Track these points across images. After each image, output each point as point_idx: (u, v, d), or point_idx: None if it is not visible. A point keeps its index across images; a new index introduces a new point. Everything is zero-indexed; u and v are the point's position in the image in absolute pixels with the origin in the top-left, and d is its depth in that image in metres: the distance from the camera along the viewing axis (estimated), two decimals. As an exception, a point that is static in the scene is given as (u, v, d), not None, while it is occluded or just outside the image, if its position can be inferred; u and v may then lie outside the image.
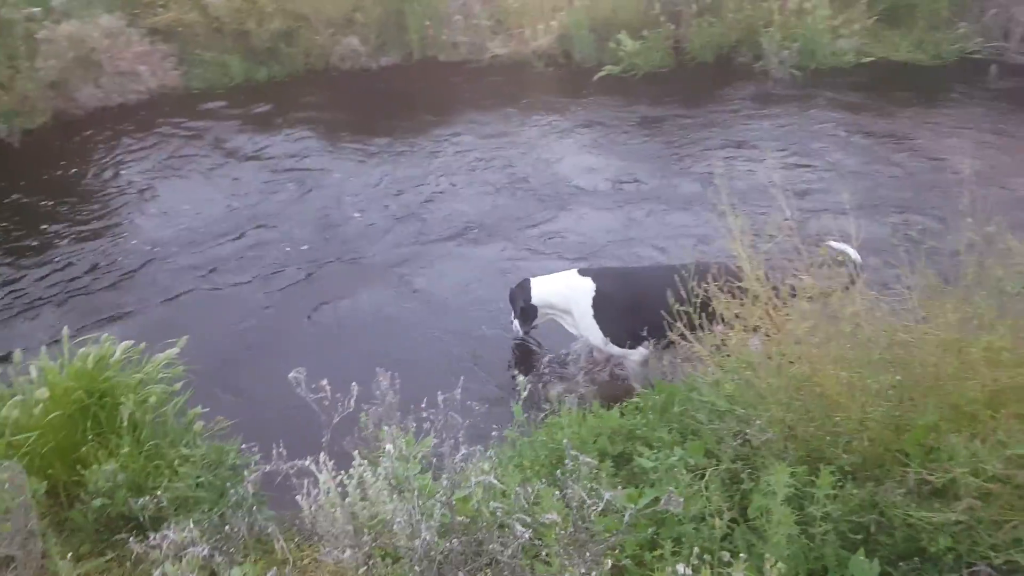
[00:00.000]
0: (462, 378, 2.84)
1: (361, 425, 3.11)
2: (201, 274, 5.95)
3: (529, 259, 5.83)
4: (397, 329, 5.25)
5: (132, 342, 3.75)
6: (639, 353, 4.35)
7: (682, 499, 2.01)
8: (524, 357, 4.88)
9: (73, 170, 7.71)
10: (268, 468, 2.43)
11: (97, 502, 3.05)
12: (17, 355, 3.43)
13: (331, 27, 9.52)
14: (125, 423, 3.36)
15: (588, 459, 2.02)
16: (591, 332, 4.38)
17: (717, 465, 2.75)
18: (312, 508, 2.45)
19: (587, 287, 4.36)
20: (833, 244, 3.88)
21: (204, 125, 8.52)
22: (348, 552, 2.32)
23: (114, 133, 8.45)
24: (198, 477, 3.15)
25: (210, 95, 9.24)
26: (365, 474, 2.50)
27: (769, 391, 2.60)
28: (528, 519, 1.89)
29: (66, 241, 6.47)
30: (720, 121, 7.84)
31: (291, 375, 2.57)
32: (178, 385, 3.70)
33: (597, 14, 9.05)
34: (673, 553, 2.44)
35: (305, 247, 6.26)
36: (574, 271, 4.52)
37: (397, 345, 5.07)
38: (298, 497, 2.48)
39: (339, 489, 2.53)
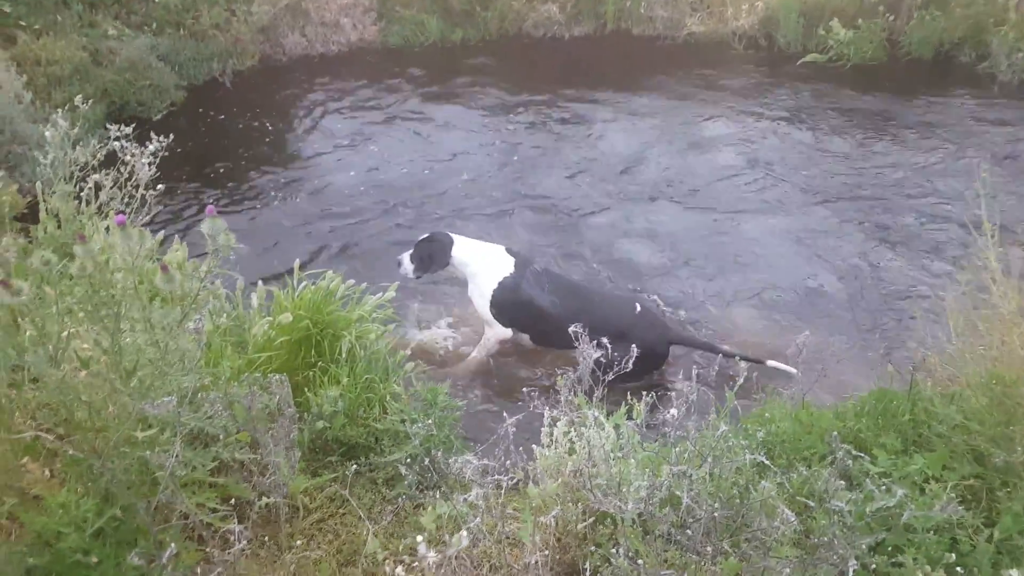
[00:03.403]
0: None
1: (558, 386, 3.11)
2: (387, 224, 6.15)
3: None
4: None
5: (353, 281, 3.93)
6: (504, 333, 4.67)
7: (961, 509, 1.88)
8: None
9: (275, 112, 8.15)
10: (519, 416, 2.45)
11: (319, 424, 3.20)
12: (260, 289, 3.64)
13: (530, -7, 9.56)
14: (344, 356, 3.53)
15: (856, 453, 1.92)
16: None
17: (953, 479, 2.61)
18: (540, 459, 2.47)
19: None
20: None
21: (397, 80, 8.77)
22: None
23: (313, 81, 8.85)
24: (411, 415, 3.25)
25: (405, 52, 9.52)
26: (592, 435, 2.49)
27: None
28: (812, 504, 1.82)
29: (262, 179, 6.83)
30: (933, 124, 7.31)
31: (571, 329, 2.64)
32: (391, 326, 3.85)
33: (808, -2, 8.64)
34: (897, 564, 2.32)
35: (497, 195, 6.40)
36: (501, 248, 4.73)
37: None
38: (534, 446, 2.51)
39: (565, 446, 2.54)
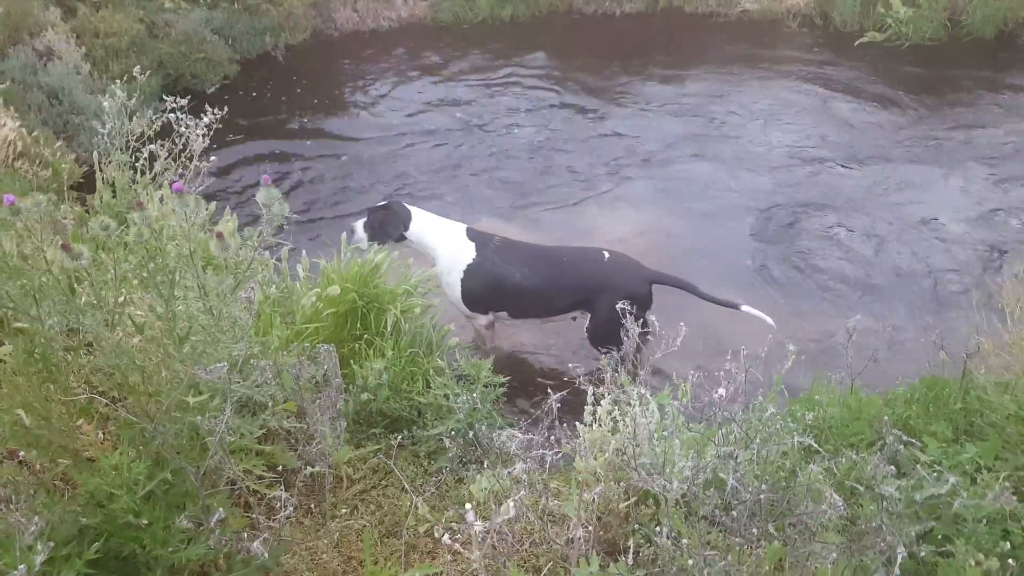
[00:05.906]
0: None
1: (602, 366, 3.09)
2: (431, 199, 6.16)
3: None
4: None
5: (397, 253, 3.96)
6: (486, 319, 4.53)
7: (1014, 499, 1.83)
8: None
9: (326, 86, 8.21)
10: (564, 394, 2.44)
11: (363, 396, 3.23)
12: (305, 260, 3.67)
13: (581, -32, 9.45)
14: (389, 329, 3.55)
15: (907, 439, 1.88)
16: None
17: (1006, 470, 2.55)
18: (584, 435, 2.47)
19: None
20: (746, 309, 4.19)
21: (446, 57, 8.75)
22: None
23: (364, 56, 8.87)
24: (454, 391, 3.27)
25: (455, 28, 9.49)
26: (639, 416, 2.47)
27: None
28: (861, 488, 1.79)
29: (310, 153, 6.86)
30: (994, 104, 7.08)
31: (618, 305, 2.60)
32: (436, 301, 3.87)
33: (867, -25, 8.39)
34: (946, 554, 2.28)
35: (533, 168, 6.34)
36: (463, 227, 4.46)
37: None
38: (577, 423, 2.50)
39: (608, 424, 2.53)
